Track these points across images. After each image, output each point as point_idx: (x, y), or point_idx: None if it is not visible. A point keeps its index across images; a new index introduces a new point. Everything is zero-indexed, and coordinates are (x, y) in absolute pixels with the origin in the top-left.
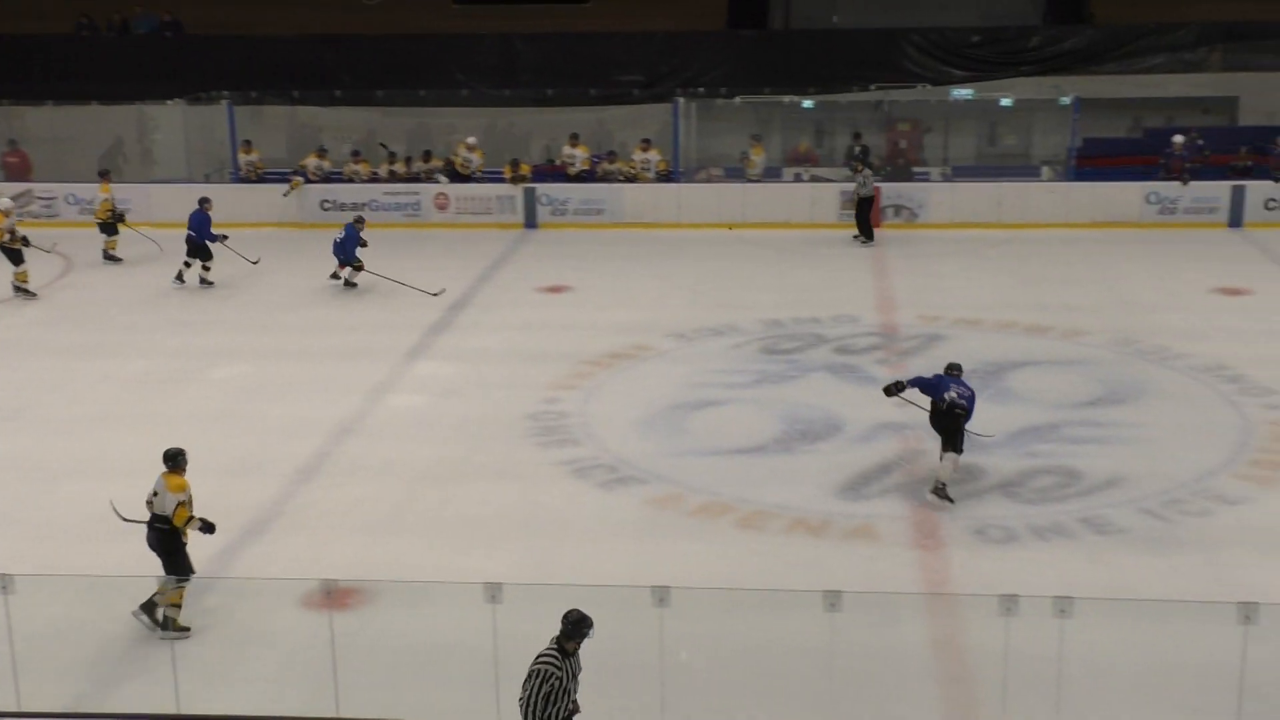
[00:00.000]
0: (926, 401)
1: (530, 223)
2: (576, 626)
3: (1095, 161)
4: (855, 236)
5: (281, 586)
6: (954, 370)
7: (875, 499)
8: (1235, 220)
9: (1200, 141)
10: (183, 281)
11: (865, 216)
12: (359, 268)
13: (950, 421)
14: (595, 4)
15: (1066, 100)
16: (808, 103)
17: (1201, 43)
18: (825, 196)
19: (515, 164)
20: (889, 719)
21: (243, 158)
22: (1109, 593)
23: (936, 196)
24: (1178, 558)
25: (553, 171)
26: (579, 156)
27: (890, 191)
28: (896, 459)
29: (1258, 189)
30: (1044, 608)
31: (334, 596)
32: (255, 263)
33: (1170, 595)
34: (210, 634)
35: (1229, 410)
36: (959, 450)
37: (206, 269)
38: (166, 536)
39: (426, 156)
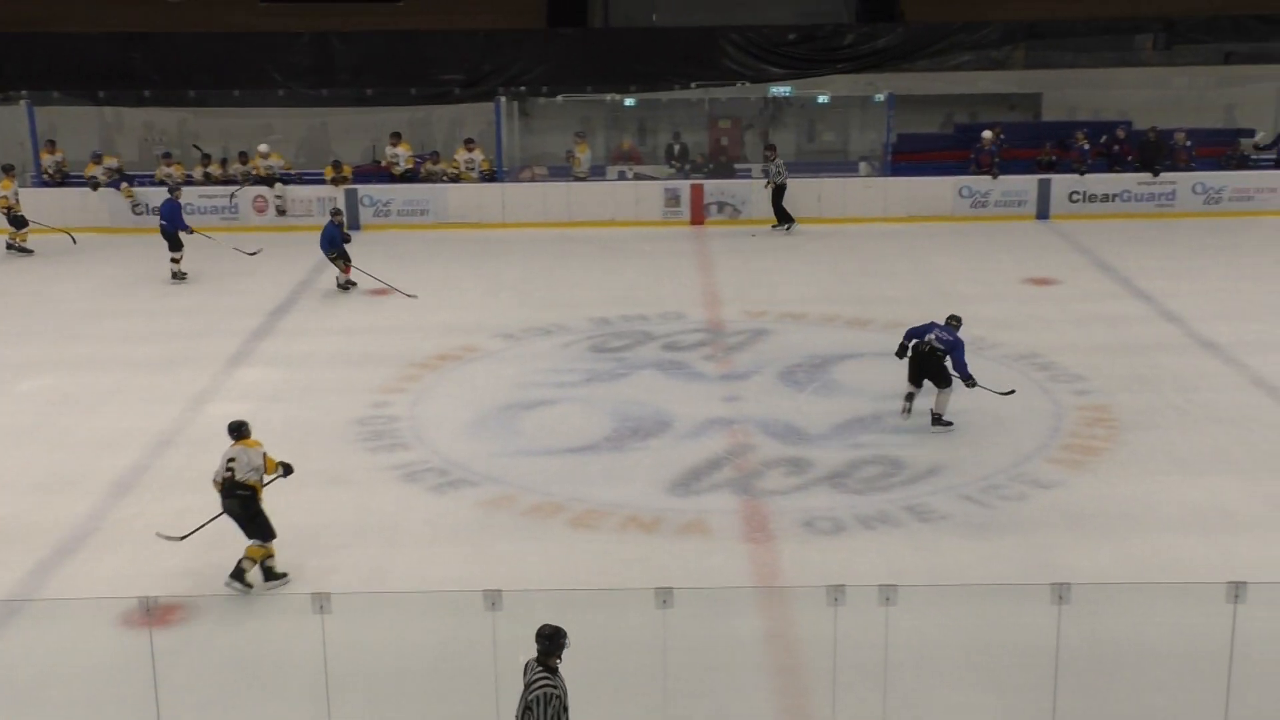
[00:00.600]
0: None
1: (353, 224)
2: (553, 641)
3: (910, 157)
4: (774, 226)
5: (98, 606)
6: (952, 321)
7: (706, 494)
8: (1043, 212)
9: (1002, 136)
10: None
11: (781, 204)
12: (343, 265)
13: (932, 362)
14: (410, 2)
15: (881, 97)
16: (630, 101)
17: (1006, 41)
18: (649, 194)
19: (337, 165)
20: (723, 713)
21: (46, 158)
22: (933, 578)
23: (758, 193)
24: (997, 541)
25: (376, 172)
26: (402, 155)
27: (713, 189)
28: (726, 454)
29: (1062, 182)
30: (870, 596)
31: (154, 614)
32: (254, 254)
33: (990, 578)
34: (20, 660)
35: (1042, 397)
36: (948, 385)
37: (175, 260)
38: (249, 501)
39: (243, 158)
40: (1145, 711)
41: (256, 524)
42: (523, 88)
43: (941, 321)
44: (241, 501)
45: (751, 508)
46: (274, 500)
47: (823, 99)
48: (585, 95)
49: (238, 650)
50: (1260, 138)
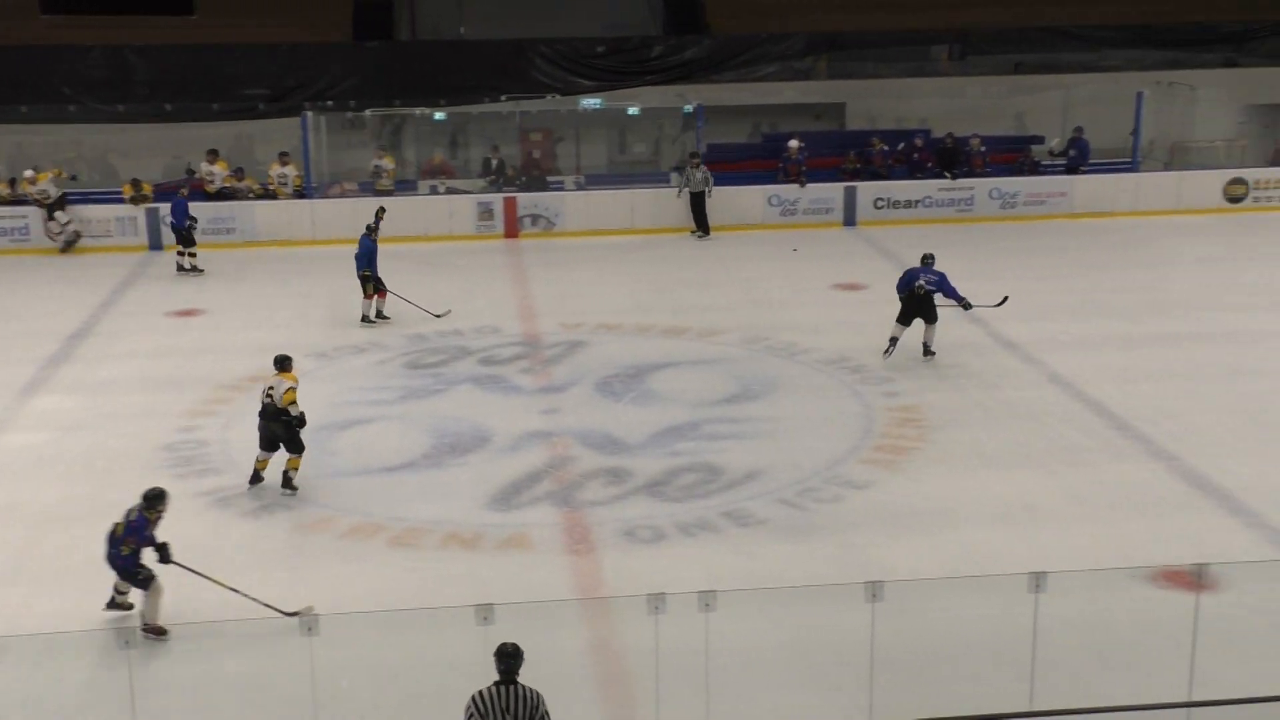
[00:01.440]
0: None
1: (155, 244)
2: (517, 658)
3: (720, 166)
4: (694, 232)
5: None
6: (927, 259)
7: (527, 507)
8: (849, 219)
9: (802, 145)
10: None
11: (702, 212)
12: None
13: (926, 303)
14: (207, 14)
15: (690, 108)
16: (439, 115)
17: (809, 52)
18: (462, 208)
19: (136, 183)
20: None
21: None
22: (752, 582)
23: (571, 205)
24: (814, 543)
25: (174, 190)
26: (219, 174)
27: (526, 201)
28: (545, 466)
29: (867, 189)
30: (690, 603)
31: None
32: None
33: (808, 580)
34: None
35: (853, 400)
36: (935, 320)
37: (181, 254)
38: (289, 424)
39: (12, 184)
40: (957, 700)
41: (295, 442)
42: (329, 102)
43: (919, 264)
44: (285, 425)
45: (572, 519)
46: (75, 532)
47: (633, 111)
48: (393, 109)
49: (36, 690)
50: (1055, 144)
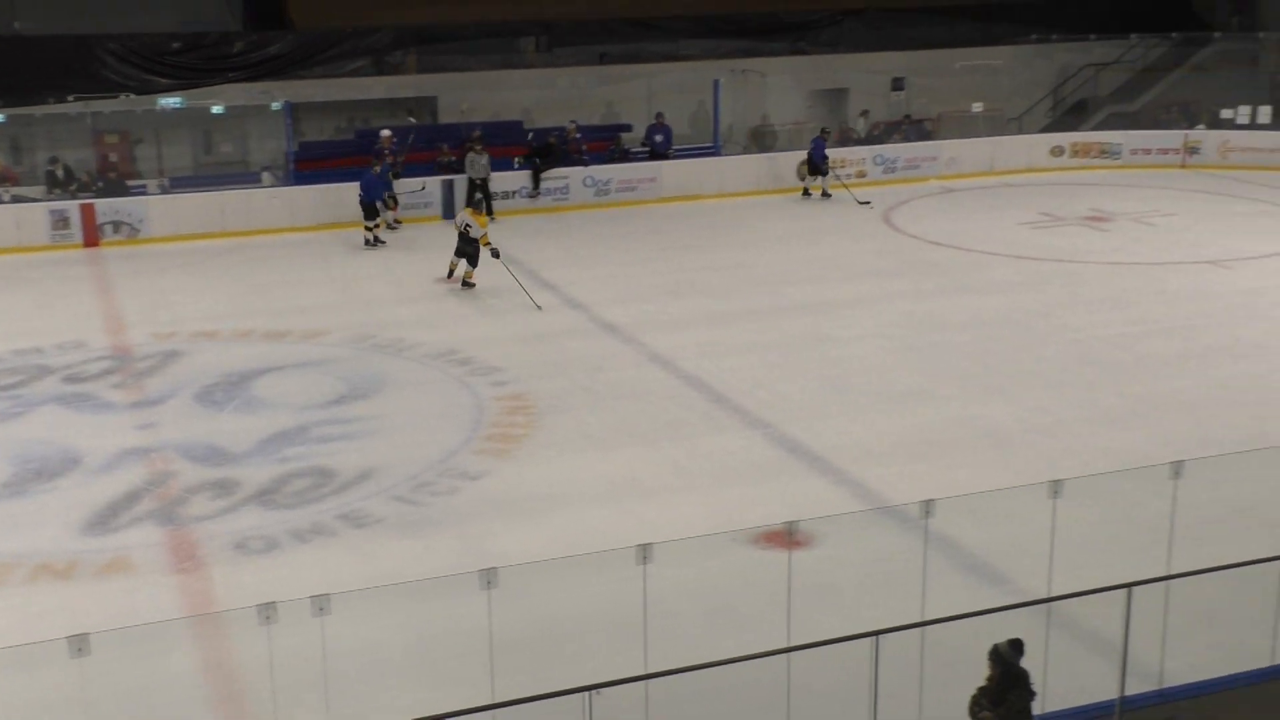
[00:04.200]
0: None
1: None
2: None
3: (313, 164)
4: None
5: None
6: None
7: (127, 529)
8: (449, 213)
9: (395, 140)
10: None
11: (488, 198)
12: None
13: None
14: None
15: (278, 105)
16: None
17: (397, 46)
18: (32, 217)
19: None
20: None
21: None
22: (373, 582)
23: (156, 209)
24: (432, 537)
25: None
26: None
27: (106, 208)
28: (145, 484)
29: (464, 182)
30: (304, 609)
31: None
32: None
33: (427, 574)
34: None
35: (463, 391)
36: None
37: (369, 229)
38: (475, 245)
39: None
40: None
41: (474, 258)
42: None
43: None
44: (474, 246)
45: (178, 537)
46: None
47: (217, 109)
48: None
49: None
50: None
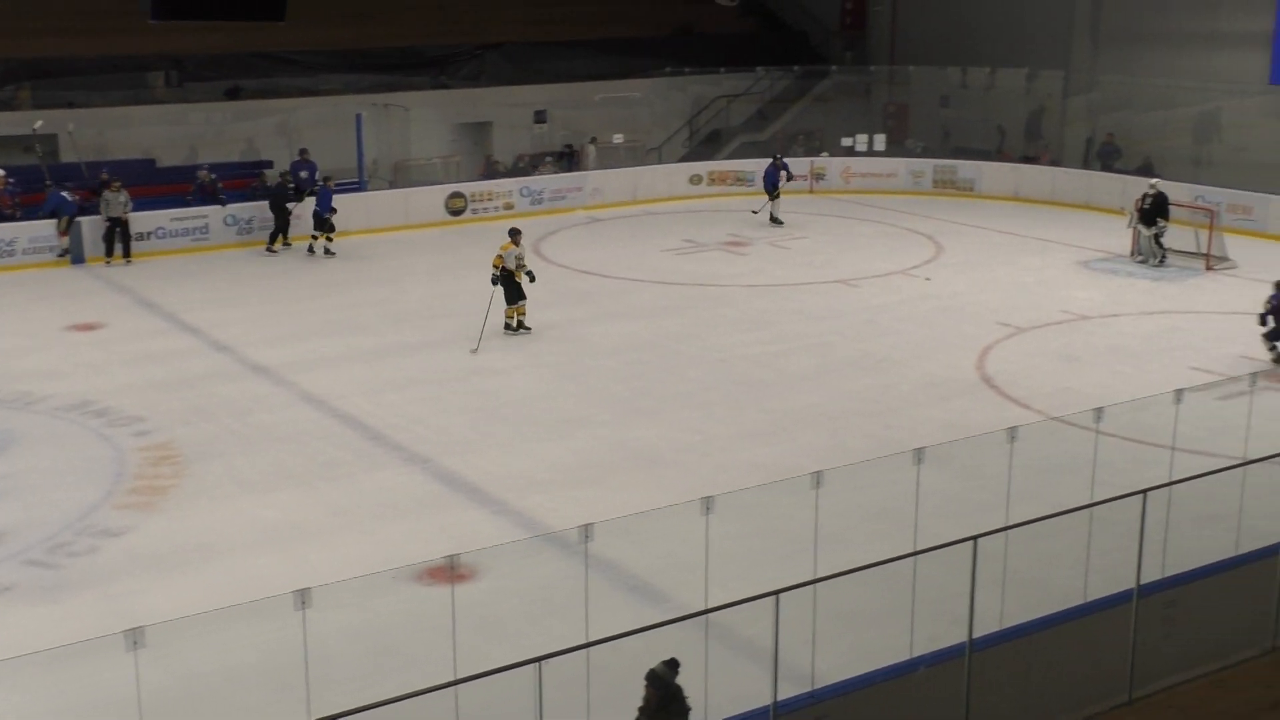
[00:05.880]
0: None
1: None
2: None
3: None
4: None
5: None
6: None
7: None
8: (78, 258)
9: (11, 180)
10: None
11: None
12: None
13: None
14: None
15: None
16: None
17: (9, 80)
18: None
19: None
20: None
21: None
22: (5, 654)
23: None
24: (72, 601)
25: None
26: None
27: None
28: None
29: (92, 225)
30: None
31: None
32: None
33: (67, 640)
34: None
35: (101, 444)
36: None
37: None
38: (508, 280)
39: None
40: None
41: (512, 293)
42: None
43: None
44: (506, 280)
45: None
46: None
47: None
48: None
49: None
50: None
